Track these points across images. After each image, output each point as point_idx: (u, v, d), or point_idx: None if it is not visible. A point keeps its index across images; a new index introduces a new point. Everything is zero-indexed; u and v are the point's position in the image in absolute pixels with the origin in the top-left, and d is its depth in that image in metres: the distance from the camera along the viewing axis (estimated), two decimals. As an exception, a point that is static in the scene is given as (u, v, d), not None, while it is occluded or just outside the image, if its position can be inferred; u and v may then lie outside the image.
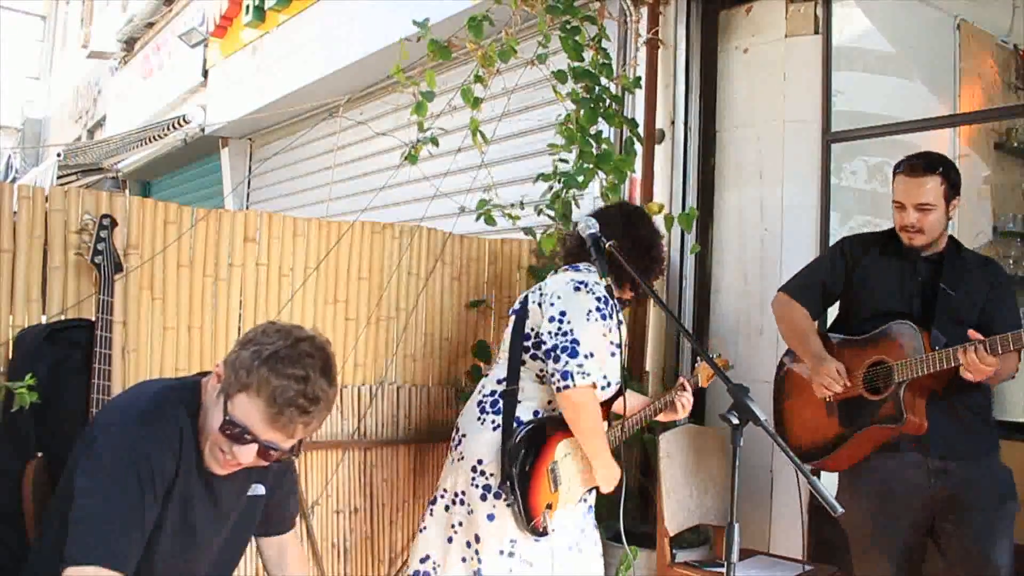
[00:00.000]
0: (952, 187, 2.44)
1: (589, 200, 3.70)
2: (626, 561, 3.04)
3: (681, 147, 3.75)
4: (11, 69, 15.83)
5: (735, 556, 1.55)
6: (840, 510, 1.54)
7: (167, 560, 1.70)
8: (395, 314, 3.25)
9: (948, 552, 2.42)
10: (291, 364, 1.60)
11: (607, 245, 2.12)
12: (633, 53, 3.85)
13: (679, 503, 3.01)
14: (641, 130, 3.66)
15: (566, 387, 2.39)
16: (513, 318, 2.66)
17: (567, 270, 2.64)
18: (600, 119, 3.46)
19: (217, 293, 2.84)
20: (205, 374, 1.78)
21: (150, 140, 8.00)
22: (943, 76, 3.67)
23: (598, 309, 2.44)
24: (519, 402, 2.54)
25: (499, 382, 2.60)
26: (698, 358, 2.72)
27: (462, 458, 2.56)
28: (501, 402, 2.56)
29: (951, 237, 2.55)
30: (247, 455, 1.64)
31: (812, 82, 3.50)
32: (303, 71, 6.06)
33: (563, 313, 2.46)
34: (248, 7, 6.80)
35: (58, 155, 8.56)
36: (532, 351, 2.56)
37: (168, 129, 7.63)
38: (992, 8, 3.64)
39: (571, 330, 2.42)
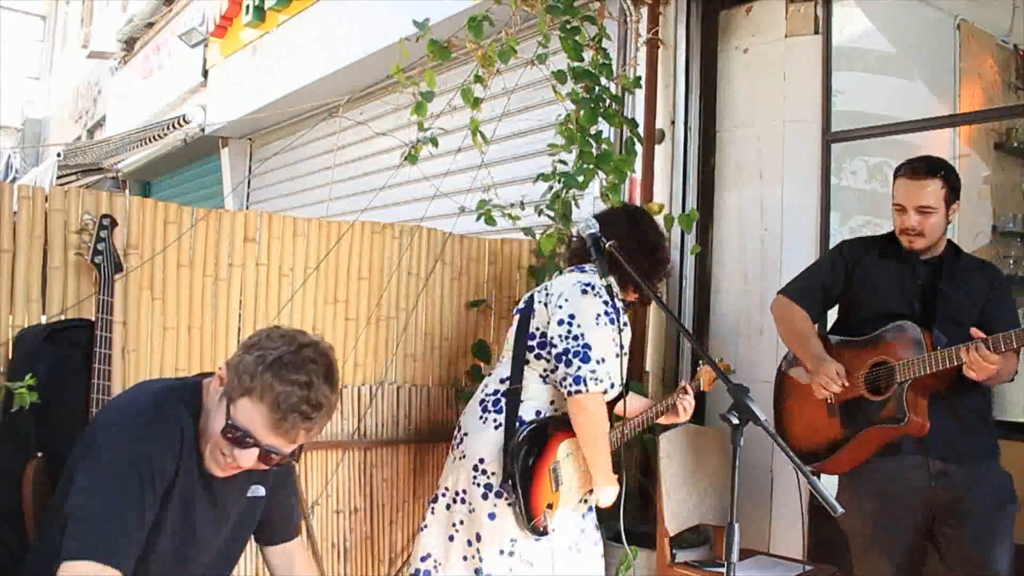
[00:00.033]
0: (952, 191, 2.45)
1: (589, 200, 3.70)
2: (626, 561, 3.05)
3: (681, 147, 3.75)
4: (11, 69, 15.84)
5: (735, 556, 1.55)
6: (840, 510, 1.55)
7: (166, 560, 1.70)
8: (395, 314, 3.25)
9: (947, 556, 2.42)
10: (295, 370, 1.60)
11: (607, 245, 2.13)
12: (633, 53, 3.85)
13: (679, 503, 3.01)
14: (641, 130, 3.66)
15: (578, 392, 2.40)
16: (517, 317, 2.66)
17: (572, 271, 2.64)
18: (600, 119, 3.46)
19: (217, 293, 2.84)
20: (206, 375, 1.78)
21: (150, 140, 8.00)
22: (943, 76, 3.67)
23: (606, 313, 2.45)
24: (522, 401, 2.55)
25: (502, 381, 2.61)
26: (700, 362, 2.72)
27: (464, 457, 2.56)
28: (503, 401, 2.56)
29: (950, 241, 2.56)
30: (248, 459, 1.64)
31: (812, 82, 3.50)
32: (303, 71, 6.06)
33: (572, 316, 2.46)
34: (248, 7, 6.80)
35: (58, 155, 8.56)
36: (537, 350, 2.56)
37: (168, 129, 7.64)
38: (992, 8, 3.64)
39: (582, 334, 2.43)
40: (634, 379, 3.51)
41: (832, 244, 3.39)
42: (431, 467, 3.32)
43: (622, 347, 2.46)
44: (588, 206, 3.69)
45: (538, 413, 2.54)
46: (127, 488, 1.57)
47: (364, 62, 5.39)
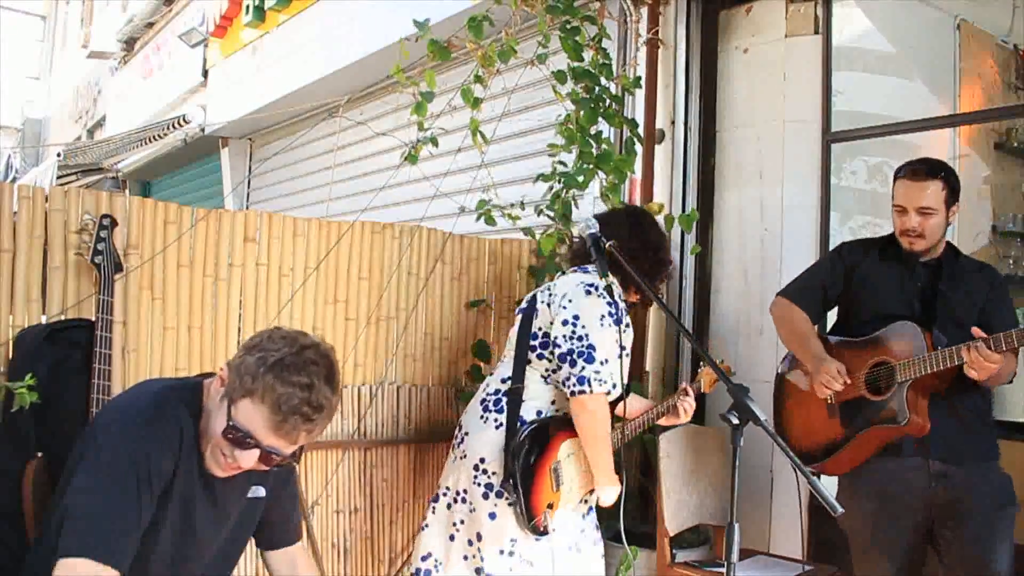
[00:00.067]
0: (952, 193, 2.46)
1: (589, 200, 3.70)
2: (626, 561, 3.05)
3: (681, 147, 3.75)
4: (11, 69, 15.83)
5: (735, 556, 1.55)
6: (840, 510, 1.55)
7: (166, 560, 1.70)
8: (395, 314, 3.25)
9: (947, 557, 2.42)
10: (296, 372, 1.61)
11: (607, 245, 2.13)
12: (633, 53, 3.85)
13: (679, 503, 3.01)
14: (641, 130, 3.66)
15: (582, 392, 2.40)
16: (520, 317, 2.66)
17: (576, 271, 2.64)
18: (600, 119, 3.46)
19: (217, 293, 2.84)
20: (207, 375, 1.78)
21: (150, 140, 8.00)
22: (943, 76, 3.67)
23: (610, 314, 2.45)
24: (523, 401, 2.55)
25: (503, 381, 2.61)
26: (701, 363, 2.72)
27: (464, 456, 2.57)
28: (504, 401, 2.57)
29: (949, 243, 2.56)
30: (249, 460, 1.64)
31: (812, 82, 3.50)
32: (303, 71, 6.06)
33: (576, 317, 2.46)
34: (248, 7, 6.80)
35: (58, 155, 8.56)
36: (539, 350, 2.57)
37: (168, 129, 7.64)
38: (992, 8, 3.64)
39: (586, 335, 2.43)
40: (634, 379, 3.50)
41: (832, 244, 3.39)
42: (431, 467, 3.32)
43: (623, 348, 2.46)
44: (588, 206, 3.68)
45: (539, 413, 2.54)
46: (125, 487, 1.57)
47: (364, 62, 5.39)
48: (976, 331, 2.22)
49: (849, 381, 2.46)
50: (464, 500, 2.55)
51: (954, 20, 3.65)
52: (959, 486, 2.39)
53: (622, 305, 2.53)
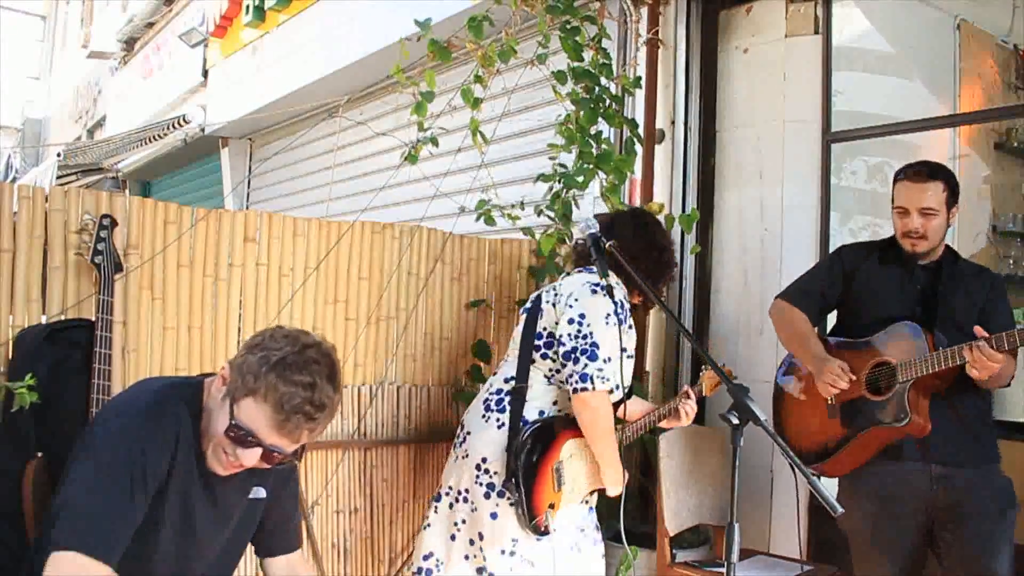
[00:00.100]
0: (952, 194, 2.47)
1: (589, 200, 3.70)
2: (626, 561, 3.05)
3: (681, 147, 3.75)
4: (11, 69, 15.82)
5: (735, 556, 1.55)
6: (840, 510, 1.55)
7: (169, 560, 1.71)
8: (395, 314, 3.25)
9: (947, 559, 2.42)
10: (298, 371, 1.61)
11: (607, 245, 2.14)
12: (633, 53, 3.85)
13: (679, 503, 3.01)
14: (641, 130, 3.66)
15: (584, 390, 2.40)
16: (524, 316, 2.67)
17: (581, 271, 2.64)
18: (600, 119, 3.45)
19: (217, 293, 2.84)
20: (209, 375, 1.79)
21: (150, 140, 8.00)
22: (943, 76, 3.67)
23: (616, 313, 2.45)
24: (526, 401, 2.55)
25: (506, 380, 2.61)
26: (702, 366, 2.72)
27: (467, 456, 2.57)
28: (507, 400, 2.57)
29: (948, 246, 2.57)
30: (251, 458, 1.65)
31: (812, 82, 3.50)
32: (303, 71, 6.06)
33: (582, 316, 2.46)
34: (248, 7, 6.80)
35: (58, 155, 8.56)
36: (543, 350, 2.57)
37: (168, 129, 7.64)
38: (992, 8, 3.64)
39: (591, 333, 2.44)
40: (634, 379, 3.50)
41: (832, 244, 3.39)
42: (431, 467, 3.32)
43: (624, 349, 2.46)
44: (588, 206, 3.69)
45: (541, 413, 2.55)
46: (119, 482, 1.57)
47: (364, 62, 5.39)
48: (978, 330, 2.22)
49: (854, 378, 2.46)
50: (466, 500, 2.55)
51: (954, 20, 3.65)
52: (960, 488, 2.38)
53: (627, 305, 2.53)
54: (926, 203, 2.44)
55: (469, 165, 3.57)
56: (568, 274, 2.74)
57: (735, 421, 1.59)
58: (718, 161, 3.77)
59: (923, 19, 3.69)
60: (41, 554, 1.63)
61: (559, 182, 3.39)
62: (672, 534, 2.98)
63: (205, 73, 7.91)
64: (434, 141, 3.23)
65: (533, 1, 3.35)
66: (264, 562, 1.96)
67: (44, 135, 15.26)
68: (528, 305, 2.69)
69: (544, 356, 2.56)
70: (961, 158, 3.66)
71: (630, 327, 2.53)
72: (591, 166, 3.38)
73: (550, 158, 3.45)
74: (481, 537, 2.50)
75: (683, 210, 3.65)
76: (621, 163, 3.43)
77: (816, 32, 3.52)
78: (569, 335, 2.46)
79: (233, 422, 1.62)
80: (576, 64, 3.41)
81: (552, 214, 3.42)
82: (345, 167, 6.01)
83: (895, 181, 2.54)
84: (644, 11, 3.81)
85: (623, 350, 2.44)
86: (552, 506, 2.51)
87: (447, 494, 2.61)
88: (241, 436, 1.62)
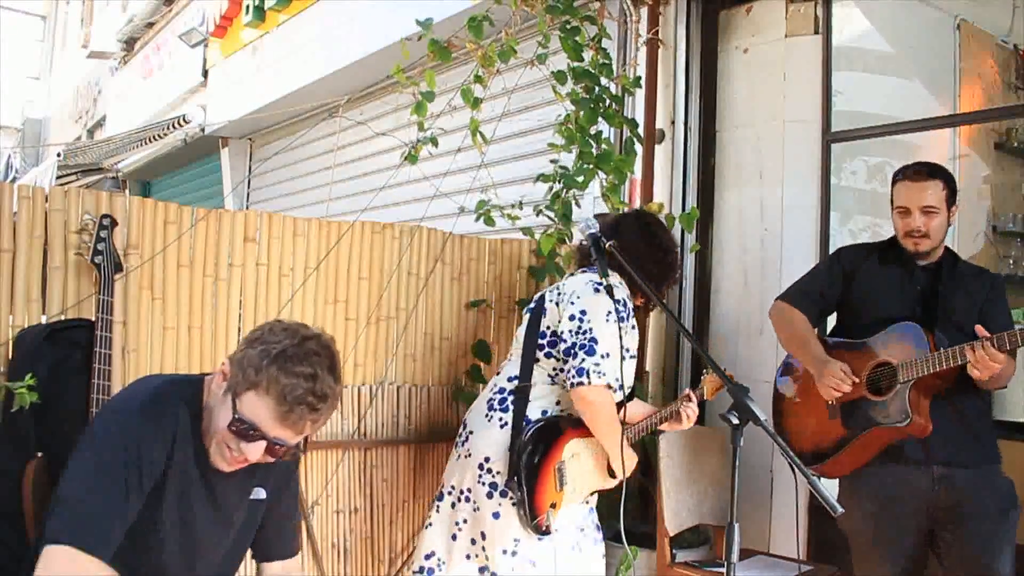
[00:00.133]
0: (952, 193, 2.49)
1: (589, 200, 3.70)
2: (626, 561, 3.05)
3: (681, 147, 3.75)
4: (11, 69, 15.82)
5: (735, 556, 1.55)
6: (840, 510, 1.55)
7: (174, 562, 1.71)
8: (395, 314, 3.25)
9: (948, 561, 2.42)
10: (299, 362, 1.62)
11: (607, 245, 2.14)
12: (633, 53, 3.85)
13: (679, 503, 3.01)
14: (641, 130, 3.66)
15: (580, 384, 2.40)
16: (528, 316, 2.67)
17: (585, 271, 2.64)
18: (600, 119, 3.45)
19: (217, 293, 2.84)
20: (210, 374, 1.79)
21: (150, 140, 8.00)
22: (943, 76, 3.67)
23: (617, 311, 2.45)
24: (530, 401, 2.55)
25: (510, 379, 2.61)
26: (703, 370, 2.72)
27: (469, 455, 2.57)
28: (509, 400, 2.57)
29: (947, 248, 2.58)
30: (255, 452, 1.65)
31: (812, 82, 3.51)
32: (303, 71, 6.06)
33: (583, 312, 2.47)
34: (248, 7, 6.81)
35: (58, 155, 8.56)
36: (547, 349, 2.57)
37: (168, 129, 7.64)
38: (992, 8, 3.64)
39: (590, 329, 2.44)
40: (635, 379, 3.51)
41: (832, 244, 3.39)
42: (431, 467, 3.32)
43: (627, 349, 2.46)
44: (588, 206, 3.68)
45: (544, 413, 2.55)
46: (113, 478, 1.58)
47: (364, 62, 5.39)
48: (980, 330, 2.22)
49: (857, 380, 2.46)
50: (468, 499, 2.55)
51: (954, 20, 3.66)
52: (961, 489, 2.38)
53: (629, 305, 2.53)
54: (927, 201, 2.45)
55: (469, 165, 3.57)
56: (572, 274, 2.75)
57: (735, 421, 1.59)
58: (718, 161, 3.77)
59: (923, 19, 3.69)
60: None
61: (559, 182, 3.38)
62: (672, 534, 2.98)
63: (205, 73, 7.91)
64: (434, 141, 3.23)
65: (533, 1, 3.35)
66: (260, 567, 1.95)
67: (44, 135, 15.27)
68: (532, 305, 2.70)
69: (548, 355, 2.57)
70: (961, 158, 3.66)
71: (633, 327, 2.53)
72: (591, 166, 3.38)
73: (552, 160, 3.45)
74: (483, 536, 2.50)
75: (683, 210, 3.65)
76: (621, 163, 3.43)
77: (816, 32, 3.52)
78: (570, 331, 2.47)
79: (236, 416, 1.62)
80: (576, 64, 3.41)
81: (552, 214, 3.42)
82: (345, 167, 6.01)
83: (894, 182, 2.54)
84: (644, 11, 3.82)
85: (626, 349, 2.44)
86: (554, 506, 2.51)
87: (449, 493, 2.61)
88: (244, 430, 1.62)
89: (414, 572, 2.65)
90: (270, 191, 7.52)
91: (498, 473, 2.50)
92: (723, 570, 1.58)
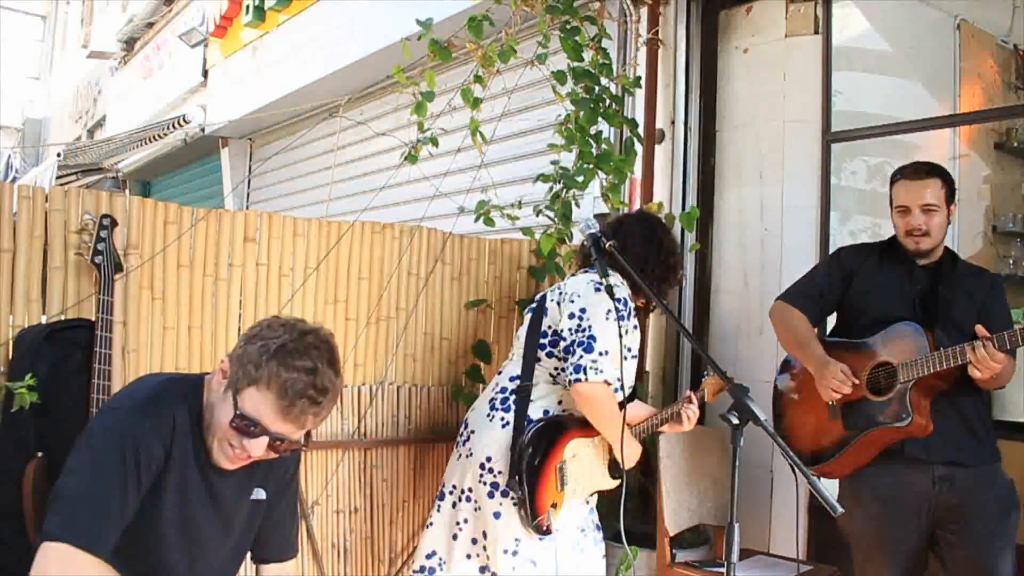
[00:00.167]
0: (951, 192, 2.50)
1: (589, 200, 3.70)
2: (626, 561, 3.05)
3: (681, 147, 3.76)
4: (11, 69, 15.81)
5: (735, 556, 1.55)
6: (840, 510, 1.55)
7: (176, 563, 1.71)
8: (395, 314, 3.25)
9: (948, 560, 2.42)
10: (299, 356, 1.62)
11: (607, 245, 2.14)
12: (633, 53, 3.85)
13: (679, 503, 3.01)
14: (641, 130, 3.66)
15: (577, 380, 2.40)
16: (529, 316, 2.67)
17: (586, 271, 2.64)
18: (600, 119, 3.45)
19: (217, 293, 2.83)
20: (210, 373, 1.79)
21: (150, 140, 8.00)
22: (943, 76, 3.67)
23: (617, 311, 2.45)
24: (531, 400, 2.55)
25: (512, 379, 2.61)
26: (704, 371, 2.72)
27: (470, 455, 2.57)
28: (511, 399, 2.57)
29: (947, 248, 2.58)
30: (258, 448, 1.65)
31: (812, 82, 3.51)
32: (303, 71, 6.06)
33: (583, 311, 2.47)
34: (248, 7, 6.81)
35: (58, 155, 8.55)
36: (548, 349, 2.57)
37: (168, 129, 7.64)
38: (992, 8, 3.64)
39: (589, 327, 2.44)
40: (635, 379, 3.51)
41: (832, 244, 3.39)
42: (431, 467, 3.32)
43: (629, 348, 2.46)
44: (588, 206, 3.68)
45: (545, 413, 2.55)
46: (110, 475, 1.58)
47: (364, 62, 5.39)
48: (980, 330, 2.22)
49: (857, 382, 2.46)
50: (469, 499, 2.55)
51: (954, 20, 3.66)
52: (962, 489, 2.38)
53: (630, 304, 2.53)
54: (927, 199, 2.45)
55: (469, 165, 3.57)
56: (573, 275, 2.75)
57: (735, 421, 1.59)
58: (718, 161, 3.77)
59: (923, 19, 3.69)
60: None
61: (559, 182, 3.38)
62: (672, 534, 2.98)
63: (205, 73, 7.91)
64: (434, 141, 3.23)
65: (533, 1, 3.34)
66: (259, 568, 1.95)
67: (44, 135, 15.26)
68: (533, 305, 2.70)
69: (550, 355, 2.57)
70: (961, 158, 3.66)
71: (634, 327, 2.53)
72: (591, 166, 3.37)
73: (552, 162, 3.45)
74: (484, 536, 2.51)
75: (683, 210, 3.65)
76: (621, 163, 3.43)
77: (816, 32, 3.52)
78: (570, 329, 2.47)
79: (238, 412, 1.62)
80: (576, 64, 3.40)
81: (552, 214, 3.42)
82: (345, 167, 6.01)
83: (893, 182, 2.55)
84: (644, 11, 3.82)
85: (627, 349, 2.44)
86: (555, 506, 2.51)
87: (450, 493, 2.62)
88: (246, 426, 1.62)
89: (415, 572, 2.66)
90: (270, 191, 7.52)
91: (499, 473, 2.50)
92: (723, 570, 1.58)
